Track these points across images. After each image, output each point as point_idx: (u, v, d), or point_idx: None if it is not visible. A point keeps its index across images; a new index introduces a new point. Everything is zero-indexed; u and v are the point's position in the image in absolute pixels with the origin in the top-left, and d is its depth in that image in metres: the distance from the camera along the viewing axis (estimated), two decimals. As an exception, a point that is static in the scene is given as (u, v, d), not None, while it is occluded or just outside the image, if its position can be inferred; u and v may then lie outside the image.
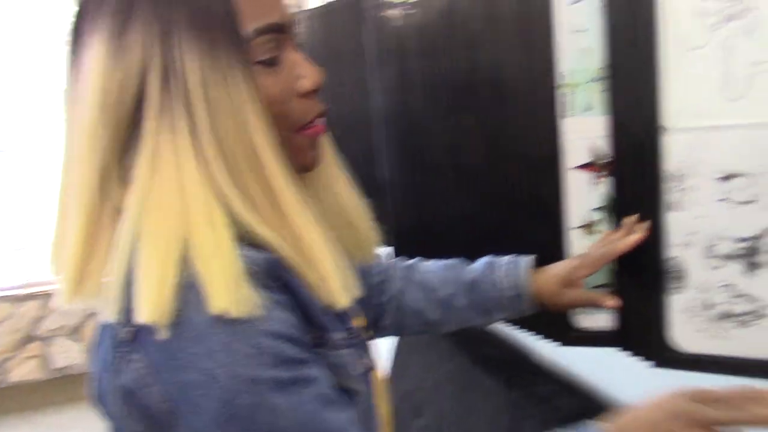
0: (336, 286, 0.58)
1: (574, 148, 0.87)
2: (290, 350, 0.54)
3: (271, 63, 0.59)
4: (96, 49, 0.55)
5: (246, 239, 0.55)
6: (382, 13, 1.13)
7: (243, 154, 0.56)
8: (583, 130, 0.85)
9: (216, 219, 0.53)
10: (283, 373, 0.53)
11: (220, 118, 0.55)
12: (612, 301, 0.82)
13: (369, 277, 0.86)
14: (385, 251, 0.80)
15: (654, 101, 0.75)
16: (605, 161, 0.84)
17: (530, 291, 0.83)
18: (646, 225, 0.78)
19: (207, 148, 0.55)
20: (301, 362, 0.55)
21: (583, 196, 0.87)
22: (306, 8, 1.71)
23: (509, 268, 0.85)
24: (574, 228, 0.89)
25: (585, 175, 0.87)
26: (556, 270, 0.83)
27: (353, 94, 1.33)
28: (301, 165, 0.64)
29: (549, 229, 0.91)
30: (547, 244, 0.91)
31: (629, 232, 0.79)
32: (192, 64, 0.54)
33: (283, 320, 0.54)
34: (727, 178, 0.74)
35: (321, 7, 1.52)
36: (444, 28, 1.01)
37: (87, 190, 0.56)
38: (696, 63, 0.73)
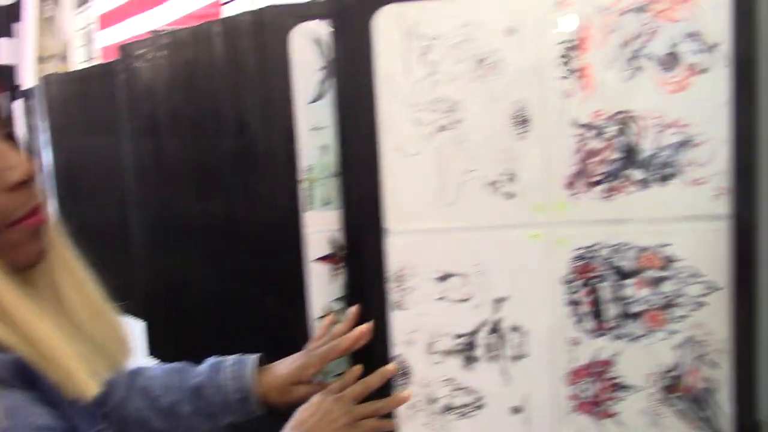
0: (81, 377, 0.55)
1: (316, 240, 0.88)
2: None
3: None
4: None
5: None
6: (133, 67, 1.08)
7: None
8: (323, 223, 0.87)
9: None
10: None
11: None
12: None
13: None
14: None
15: (377, 203, 0.78)
16: (342, 254, 0.86)
17: (257, 392, 0.81)
18: (369, 325, 0.80)
19: None
20: None
21: (324, 286, 0.88)
22: (69, 71, 1.62)
23: (235, 370, 0.82)
24: (318, 317, 0.90)
25: (325, 267, 0.88)
26: (282, 370, 0.82)
27: (109, 160, 1.27)
28: (22, 260, 0.58)
29: (294, 317, 0.91)
30: (294, 332, 0.91)
31: (352, 328, 0.80)
32: None
33: (45, 413, 0.51)
34: (444, 278, 0.78)
35: (78, 71, 1.44)
36: (188, 104, 1.00)
37: None
38: (413, 169, 0.77)
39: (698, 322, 0.74)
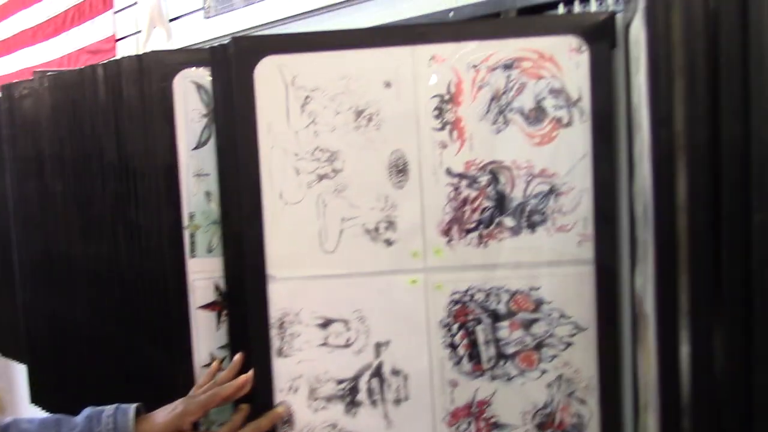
0: None
1: (200, 287, 0.87)
2: None
3: None
4: None
5: None
6: (15, 107, 1.05)
7: None
8: (208, 270, 0.86)
9: None
10: None
11: None
12: None
13: None
14: None
15: (259, 250, 0.78)
16: (226, 301, 0.85)
17: None
18: (249, 373, 0.80)
19: None
20: None
21: (209, 333, 0.87)
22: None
23: (113, 421, 0.80)
24: (203, 365, 0.89)
25: (210, 314, 0.87)
26: (161, 418, 0.81)
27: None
28: None
29: (179, 365, 0.89)
30: (179, 379, 0.89)
31: (236, 375, 0.80)
32: None
33: None
34: (326, 324, 0.79)
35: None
36: (72, 147, 0.98)
37: None
38: (295, 217, 0.78)
39: (567, 361, 0.78)
